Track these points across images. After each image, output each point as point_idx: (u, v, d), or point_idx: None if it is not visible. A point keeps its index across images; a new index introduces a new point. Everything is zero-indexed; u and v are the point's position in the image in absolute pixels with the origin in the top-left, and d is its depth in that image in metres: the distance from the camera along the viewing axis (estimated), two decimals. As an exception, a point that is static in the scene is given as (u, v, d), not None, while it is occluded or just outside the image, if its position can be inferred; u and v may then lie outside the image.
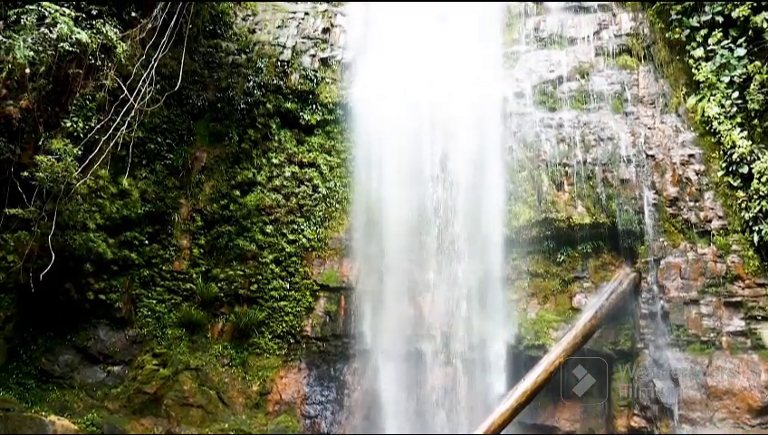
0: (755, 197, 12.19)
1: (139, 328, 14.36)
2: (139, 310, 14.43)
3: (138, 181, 14.38)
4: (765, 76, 12.51)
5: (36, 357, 13.62)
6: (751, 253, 12.40)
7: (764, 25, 12.76)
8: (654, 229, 13.40)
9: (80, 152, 12.33)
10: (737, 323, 12.24)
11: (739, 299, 12.32)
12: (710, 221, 13.00)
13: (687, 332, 12.57)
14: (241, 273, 14.81)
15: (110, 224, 13.87)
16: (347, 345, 14.53)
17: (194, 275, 14.80)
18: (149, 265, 14.59)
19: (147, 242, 14.57)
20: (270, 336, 14.65)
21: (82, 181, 12.54)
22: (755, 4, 13.17)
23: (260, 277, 14.83)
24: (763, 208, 12.04)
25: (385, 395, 13.95)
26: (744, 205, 12.47)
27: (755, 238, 12.18)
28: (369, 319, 14.43)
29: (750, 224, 12.34)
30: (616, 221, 13.66)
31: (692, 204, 13.26)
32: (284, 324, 14.65)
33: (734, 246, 12.61)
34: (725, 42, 13.34)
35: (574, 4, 16.54)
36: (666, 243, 13.25)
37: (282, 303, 14.72)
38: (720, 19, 13.49)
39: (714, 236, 12.88)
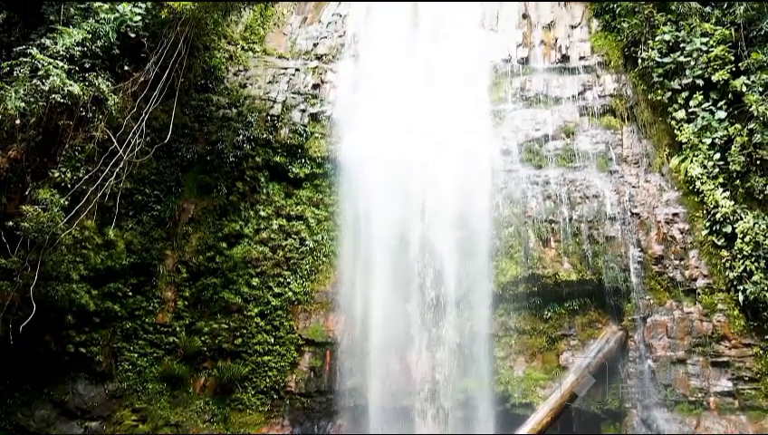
0: (739, 256, 12.30)
1: (120, 382, 14.04)
2: (119, 363, 14.14)
3: (124, 232, 14.29)
4: (746, 138, 12.81)
5: (12, 412, 13.25)
6: (736, 312, 12.44)
7: (743, 89, 13.13)
8: (640, 287, 13.45)
9: (66, 203, 12.30)
10: (725, 384, 12.19)
11: (726, 359, 12.29)
12: (695, 280, 13.07)
13: (675, 391, 12.49)
14: (225, 326, 14.62)
15: (94, 275, 13.70)
16: (331, 402, 14.28)
17: (177, 329, 14.58)
18: (132, 318, 14.36)
19: (130, 294, 14.38)
20: (253, 392, 14.37)
21: (68, 232, 12.43)
22: (734, 69, 13.60)
23: (244, 331, 14.64)
24: (747, 268, 12.14)
25: (370, 454, 13.66)
26: (728, 264, 12.57)
27: (740, 298, 12.23)
28: (355, 375, 14.22)
29: (735, 283, 12.41)
30: (602, 278, 13.70)
31: (677, 262, 13.35)
32: (268, 380, 14.40)
33: (720, 305, 12.65)
34: (706, 104, 13.69)
35: (559, 65, 16.99)
36: (652, 301, 13.28)
37: (266, 357, 14.49)
38: (700, 82, 13.88)
39: (699, 294, 12.93)
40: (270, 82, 17.04)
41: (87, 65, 13.20)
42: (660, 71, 14.46)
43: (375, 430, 13.73)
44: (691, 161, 13.52)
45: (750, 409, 11.94)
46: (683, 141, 13.72)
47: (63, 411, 13.58)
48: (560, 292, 13.96)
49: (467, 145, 15.26)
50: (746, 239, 12.21)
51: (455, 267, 14.34)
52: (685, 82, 14.09)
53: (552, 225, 14.35)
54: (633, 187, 14.51)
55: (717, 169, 13.14)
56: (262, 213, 15.54)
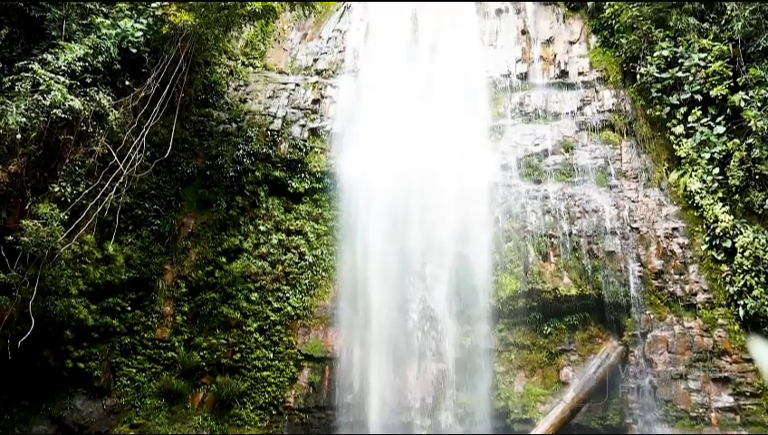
0: (739, 271, 12.29)
1: (118, 398, 13.96)
2: (118, 379, 14.07)
3: (123, 247, 14.27)
4: (744, 153, 12.84)
5: (9, 428, 13.14)
6: (737, 327, 12.40)
7: (742, 104, 13.18)
8: (640, 302, 13.41)
9: (66, 217, 12.30)
10: (726, 399, 12.12)
11: (727, 374, 12.24)
12: (695, 294, 13.04)
13: (676, 407, 12.42)
14: (224, 341, 14.56)
15: (93, 290, 13.67)
16: (331, 417, 14.17)
17: (176, 344, 14.52)
18: (131, 333, 14.31)
19: (129, 308, 14.33)
20: (252, 407, 14.28)
21: (67, 246, 12.43)
22: (732, 84, 13.66)
23: (243, 346, 14.57)
24: (748, 283, 12.12)
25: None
26: (728, 279, 12.55)
27: (741, 313, 12.20)
28: (355, 390, 14.14)
29: (735, 298, 12.39)
30: (602, 293, 13.66)
31: (677, 277, 13.33)
32: (267, 395, 14.31)
33: (720, 320, 12.62)
34: (705, 119, 13.74)
35: (558, 80, 17.08)
36: (652, 316, 13.24)
37: (265, 373, 14.42)
38: (699, 97, 13.94)
39: (699, 309, 12.90)
40: (270, 97, 17.11)
41: (88, 80, 13.27)
42: (659, 86, 14.55)
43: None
44: (690, 176, 13.56)
45: (752, 424, 11.86)
46: (682, 156, 13.77)
47: (61, 427, 13.48)
48: (559, 307, 13.92)
49: (466, 160, 15.30)
50: (746, 254, 12.21)
51: (455, 280, 14.30)
52: (683, 97, 14.16)
53: (552, 239, 14.34)
54: (632, 201, 14.52)
55: (716, 184, 13.18)
56: (261, 228, 15.54)
